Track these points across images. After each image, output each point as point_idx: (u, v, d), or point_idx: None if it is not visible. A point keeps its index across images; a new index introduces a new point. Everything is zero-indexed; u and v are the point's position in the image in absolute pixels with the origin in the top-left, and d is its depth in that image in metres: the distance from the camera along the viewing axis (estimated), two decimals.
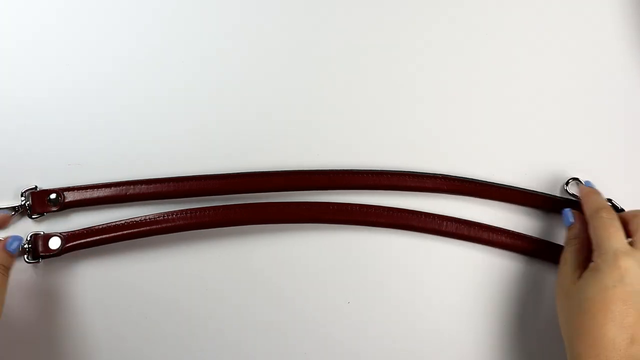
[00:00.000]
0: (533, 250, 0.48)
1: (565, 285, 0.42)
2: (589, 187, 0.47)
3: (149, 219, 0.46)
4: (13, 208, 0.46)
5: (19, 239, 0.43)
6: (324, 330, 0.47)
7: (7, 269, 0.42)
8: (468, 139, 0.50)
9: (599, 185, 0.49)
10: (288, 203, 0.47)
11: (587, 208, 0.44)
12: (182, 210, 0.46)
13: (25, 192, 0.46)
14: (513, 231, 0.49)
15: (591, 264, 0.41)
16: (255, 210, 0.47)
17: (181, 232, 0.46)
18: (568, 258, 0.44)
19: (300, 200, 0.48)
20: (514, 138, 0.50)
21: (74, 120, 0.48)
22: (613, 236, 0.41)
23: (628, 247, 0.40)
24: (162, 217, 0.46)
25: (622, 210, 0.48)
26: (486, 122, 0.50)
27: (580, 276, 0.41)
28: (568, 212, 0.46)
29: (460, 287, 0.48)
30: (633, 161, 0.50)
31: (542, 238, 0.49)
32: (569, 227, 0.46)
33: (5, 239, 0.43)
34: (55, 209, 0.46)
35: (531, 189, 0.49)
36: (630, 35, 0.51)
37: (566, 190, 0.50)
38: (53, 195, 0.46)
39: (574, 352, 0.39)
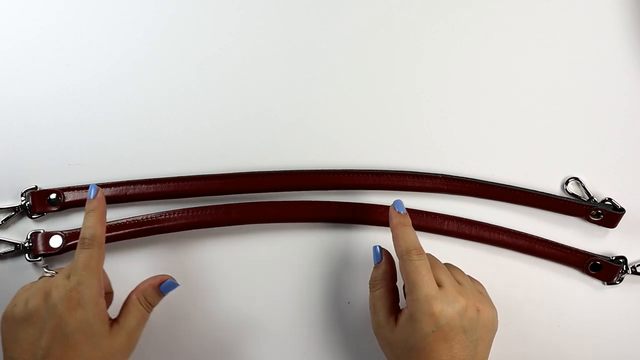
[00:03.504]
0: (533, 249, 0.48)
1: (385, 335, 0.41)
2: (398, 215, 0.42)
3: (149, 218, 0.46)
4: (13, 208, 0.46)
5: (175, 285, 0.43)
6: (324, 330, 0.47)
7: (151, 306, 0.42)
8: (468, 139, 0.50)
9: (598, 186, 0.49)
10: (288, 203, 0.47)
11: (398, 246, 0.41)
12: (182, 210, 0.46)
13: (25, 192, 0.46)
14: (514, 230, 0.49)
15: (406, 310, 0.40)
16: (255, 210, 0.47)
17: (181, 232, 0.46)
18: (377, 306, 0.42)
19: (300, 200, 0.48)
20: (514, 138, 0.50)
21: (74, 120, 0.48)
22: (425, 282, 0.39)
23: (437, 290, 0.39)
24: (162, 217, 0.46)
25: (622, 209, 0.48)
26: (486, 122, 0.50)
27: (396, 321, 0.41)
28: (377, 250, 0.44)
29: None
30: (633, 161, 0.50)
31: (543, 237, 0.49)
32: (376, 265, 0.43)
33: (163, 278, 0.42)
34: (55, 209, 0.46)
35: (531, 189, 0.49)
36: (630, 36, 0.52)
37: (566, 190, 0.50)
38: (53, 195, 0.46)
39: None
